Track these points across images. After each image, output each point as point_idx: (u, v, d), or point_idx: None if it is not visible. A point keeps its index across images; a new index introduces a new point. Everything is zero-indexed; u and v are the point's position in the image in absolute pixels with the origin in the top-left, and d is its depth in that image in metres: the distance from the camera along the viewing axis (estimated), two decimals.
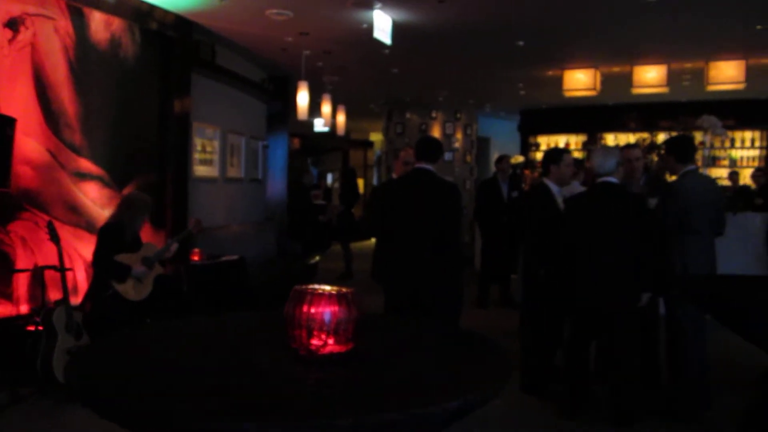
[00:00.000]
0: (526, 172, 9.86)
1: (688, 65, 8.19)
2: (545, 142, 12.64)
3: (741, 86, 7.89)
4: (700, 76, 8.19)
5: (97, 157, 5.19)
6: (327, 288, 1.61)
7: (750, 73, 7.77)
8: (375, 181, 17.45)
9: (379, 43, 5.78)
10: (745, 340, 3.09)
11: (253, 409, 1.29)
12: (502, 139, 14.39)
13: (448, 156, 11.79)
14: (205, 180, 6.96)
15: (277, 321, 1.64)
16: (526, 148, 12.89)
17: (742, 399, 3.26)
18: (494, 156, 13.45)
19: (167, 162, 6.05)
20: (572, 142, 12.33)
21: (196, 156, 6.77)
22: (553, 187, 4.57)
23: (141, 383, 1.45)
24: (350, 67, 8.31)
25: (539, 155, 12.18)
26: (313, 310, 1.55)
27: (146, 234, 5.56)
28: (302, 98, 7.42)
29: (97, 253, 4.47)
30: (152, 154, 5.91)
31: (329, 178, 18.24)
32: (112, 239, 4.50)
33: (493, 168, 9.19)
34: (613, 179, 4.00)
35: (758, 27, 6.37)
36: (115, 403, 1.31)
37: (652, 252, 3.88)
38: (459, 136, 12.19)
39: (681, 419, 3.95)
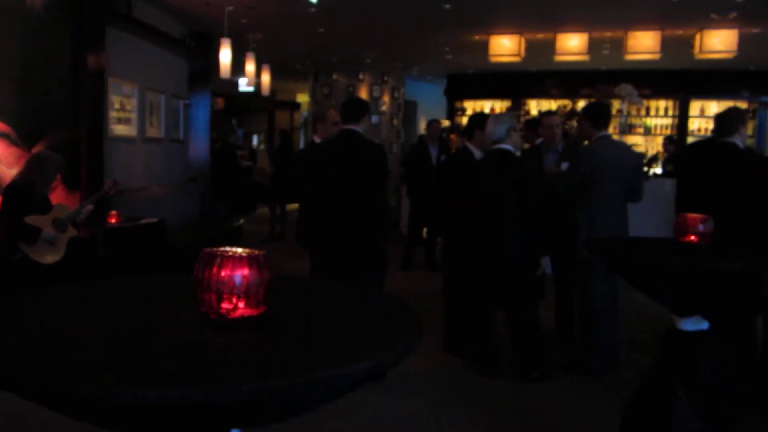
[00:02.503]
0: (452, 136, 9.96)
1: (608, 34, 8.41)
2: (471, 106, 12.75)
3: (657, 56, 8.18)
4: (619, 46, 8.44)
5: (2, 112, 4.89)
6: (238, 250, 1.58)
7: (665, 44, 8.05)
8: (302, 144, 17.24)
9: (305, 1, 5.64)
10: (650, 299, 3.26)
11: (156, 375, 1.26)
12: (429, 103, 14.44)
13: (375, 119, 11.76)
14: (122, 139, 6.70)
15: (188, 285, 1.60)
16: (453, 112, 12.98)
17: (648, 357, 3.46)
18: (421, 120, 13.53)
19: (81, 119, 5.76)
20: (497, 107, 12.49)
21: (114, 114, 6.49)
22: (476, 152, 4.63)
23: (39, 350, 1.40)
24: (275, 25, 8.10)
25: (465, 120, 12.29)
26: (223, 273, 1.52)
27: (59, 195, 5.31)
28: (225, 56, 7.20)
29: (3, 214, 4.24)
30: (64, 111, 5.61)
31: (254, 139, 17.92)
32: (20, 199, 4.28)
33: (420, 131, 9.24)
34: (504, 146, 4.09)
35: None
36: (5, 372, 1.26)
37: (537, 217, 4.00)
38: (386, 99, 12.16)
39: (590, 375, 4.16)
